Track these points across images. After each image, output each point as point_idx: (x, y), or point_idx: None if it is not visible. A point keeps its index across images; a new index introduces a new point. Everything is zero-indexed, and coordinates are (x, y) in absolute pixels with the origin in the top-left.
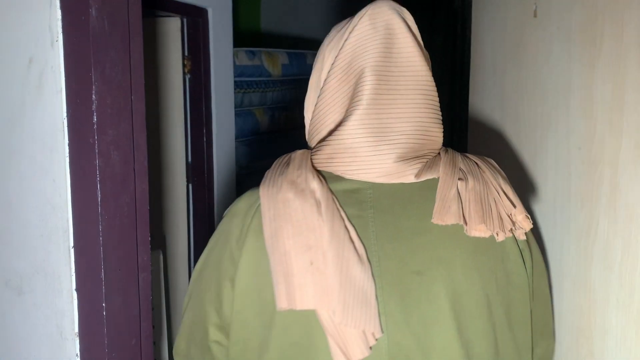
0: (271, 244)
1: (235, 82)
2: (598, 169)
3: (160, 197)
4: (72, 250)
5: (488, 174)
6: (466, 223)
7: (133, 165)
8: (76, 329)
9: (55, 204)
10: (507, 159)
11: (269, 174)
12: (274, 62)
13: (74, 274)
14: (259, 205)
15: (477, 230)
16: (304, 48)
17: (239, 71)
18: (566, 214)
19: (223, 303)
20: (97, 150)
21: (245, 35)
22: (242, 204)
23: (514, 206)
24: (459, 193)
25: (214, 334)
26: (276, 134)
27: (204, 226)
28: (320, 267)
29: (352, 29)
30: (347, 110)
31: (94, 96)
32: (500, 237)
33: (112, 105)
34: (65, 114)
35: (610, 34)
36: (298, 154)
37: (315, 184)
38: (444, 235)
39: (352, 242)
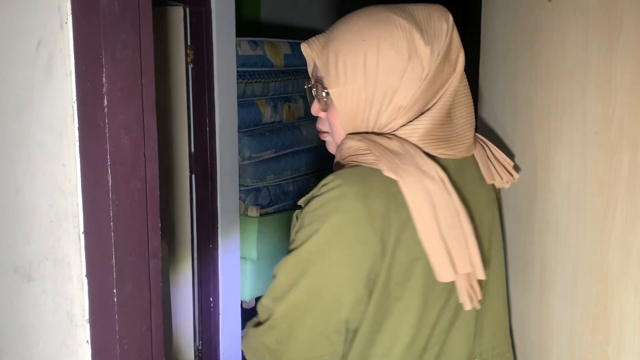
0: (423, 224)
1: (237, 72)
2: (616, 153)
3: (163, 188)
4: (82, 236)
5: (488, 143)
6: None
7: (144, 150)
8: (87, 316)
9: (65, 189)
10: (519, 144)
11: (384, 160)
12: (277, 52)
13: (84, 260)
14: (388, 188)
15: (504, 183)
16: (304, 38)
17: (241, 61)
18: (582, 200)
19: (373, 275)
20: (107, 135)
21: (245, 25)
22: (358, 188)
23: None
24: (489, 159)
25: (350, 312)
26: (278, 124)
27: (207, 217)
28: (461, 241)
29: (451, 34)
30: (436, 99)
31: (104, 79)
32: (507, 186)
33: (123, 89)
34: (75, 98)
35: (631, 15)
36: (395, 140)
37: (440, 171)
38: (483, 190)
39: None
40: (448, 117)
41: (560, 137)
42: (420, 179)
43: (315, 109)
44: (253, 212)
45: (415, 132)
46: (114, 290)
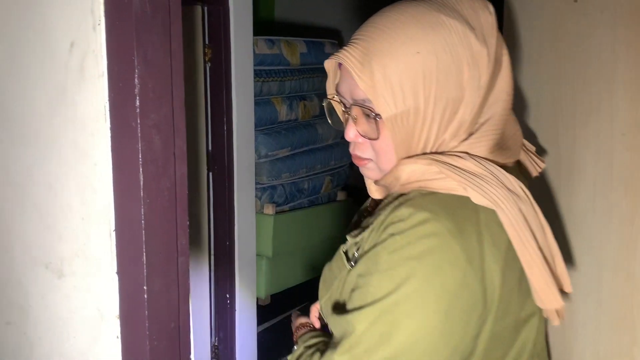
0: (528, 254)
1: (254, 70)
2: None
3: None
4: (113, 234)
5: None
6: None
7: (173, 150)
8: (117, 312)
9: (96, 188)
10: (542, 144)
11: (471, 185)
12: (293, 51)
13: (115, 257)
14: (478, 218)
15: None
16: (318, 36)
17: (258, 60)
18: (607, 201)
19: (480, 312)
20: (139, 134)
21: (259, 24)
22: (450, 222)
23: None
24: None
25: None
26: (294, 123)
27: (224, 214)
28: (550, 258)
29: (497, 27)
30: (492, 103)
31: (136, 80)
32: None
33: (154, 90)
34: (107, 98)
35: None
36: (469, 158)
37: (522, 185)
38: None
39: None
40: (514, 120)
41: (586, 138)
42: (515, 202)
43: (353, 134)
44: (269, 209)
45: (481, 144)
46: (144, 287)
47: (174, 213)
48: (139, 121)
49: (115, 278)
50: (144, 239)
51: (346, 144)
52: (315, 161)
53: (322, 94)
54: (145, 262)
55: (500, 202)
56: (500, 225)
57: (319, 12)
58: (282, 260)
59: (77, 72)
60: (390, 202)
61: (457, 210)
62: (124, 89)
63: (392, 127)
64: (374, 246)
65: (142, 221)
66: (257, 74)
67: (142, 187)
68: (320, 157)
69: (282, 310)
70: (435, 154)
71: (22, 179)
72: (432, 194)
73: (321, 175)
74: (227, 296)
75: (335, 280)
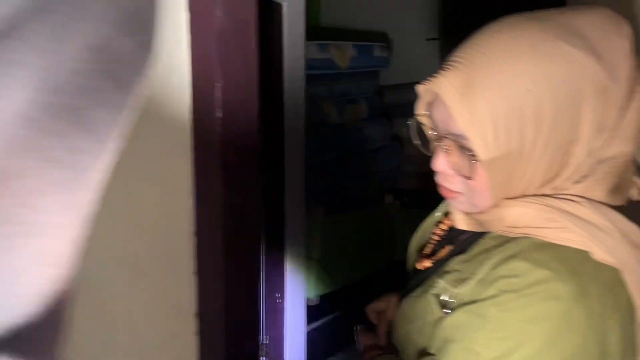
0: None
1: (304, 75)
2: None
3: None
4: (193, 236)
5: None
6: None
7: (247, 159)
8: (195, 309)
9: (177, 193)
10: None
11: (595, 241)
12: (343, 55)
13: (193, 258)
14: (599, 276)
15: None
16: (363, 39)
17: (308, 64)
18: None
19: None
20: (220, 145)
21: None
22: (574, 284)
23: None
24: None
25: None
26: (343, 126)
27: (275, 216)
28: None
29: (633, 54)
30: (614, 145)
31: (218, 93)
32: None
33: (233, 102)
34: (190, 110)
35: None
36: (586, 204)
37: None
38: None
39: None
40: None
41: None
42: (637, 259)
43: (443, 167)
44: (318, 212)
45: (599, 187)
46: (222, 287)
47: (248, 218)
48: (219, 131)
49: (194, 278)
50: (222, 241)
51: (394, 146)
52: (363, 164)
53: (370, 98)
54: (223, 263)
55: (626, 262)
56: (620, 282)
57: (364, 16)
58: (330, 262)
59: (161, 86)
60: (494, 247)
61: (579, 268)
62: (207, 102)
63: (490, 168)
64: (479, 300)
65: (221, 225)
66: (307, 78)
67: (222, 194)
68: (368, 160)
69: (330, 310)
70: (546, 197)
71: (109, 185)
72: (549, 245)
73: (369, 178)
74: (277, 295)
75: (418, 320)
